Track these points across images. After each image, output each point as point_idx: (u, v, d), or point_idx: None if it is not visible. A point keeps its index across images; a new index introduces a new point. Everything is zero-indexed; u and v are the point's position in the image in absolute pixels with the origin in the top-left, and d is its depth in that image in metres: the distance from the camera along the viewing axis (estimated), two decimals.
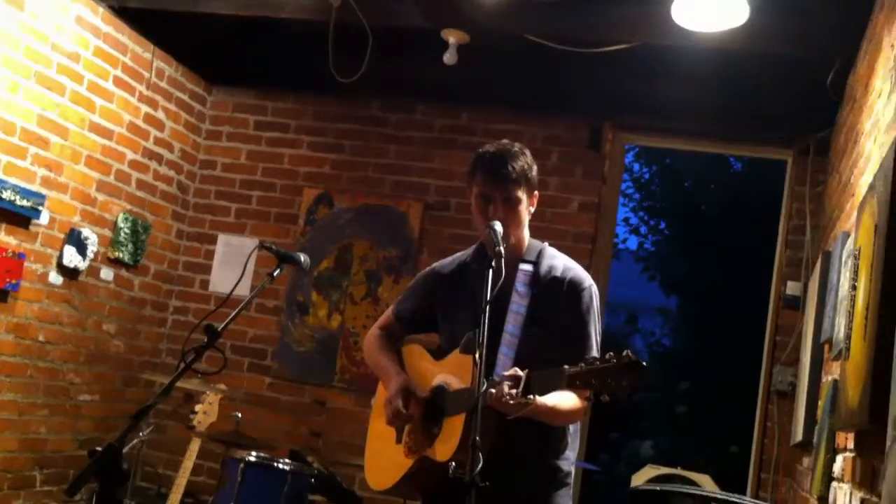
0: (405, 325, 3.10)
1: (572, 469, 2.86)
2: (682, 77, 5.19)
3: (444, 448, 2.64)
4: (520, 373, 2.43)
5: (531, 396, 2.40)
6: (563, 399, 2.58)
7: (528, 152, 2.82)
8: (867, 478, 2.50)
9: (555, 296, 2.78)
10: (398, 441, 2.87)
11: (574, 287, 2.79)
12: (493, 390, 2.42)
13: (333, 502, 4.74)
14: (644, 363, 2.24)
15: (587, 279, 2.84)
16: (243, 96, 6.27)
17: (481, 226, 2.77)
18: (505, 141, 2.84)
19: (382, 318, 3.17)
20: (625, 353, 2.26)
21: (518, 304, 2.75)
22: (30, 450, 5.07)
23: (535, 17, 4.71)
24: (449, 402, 2.71)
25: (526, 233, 2.87)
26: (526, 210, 2.80)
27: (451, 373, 2.76)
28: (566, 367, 2.35)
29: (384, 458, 2.92)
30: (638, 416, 12.09)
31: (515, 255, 2.79)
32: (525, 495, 2.72)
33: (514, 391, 2.40)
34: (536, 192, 2.83)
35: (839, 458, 3.07)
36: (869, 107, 3.43)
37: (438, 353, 2.93)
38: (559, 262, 2.86)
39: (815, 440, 3.72)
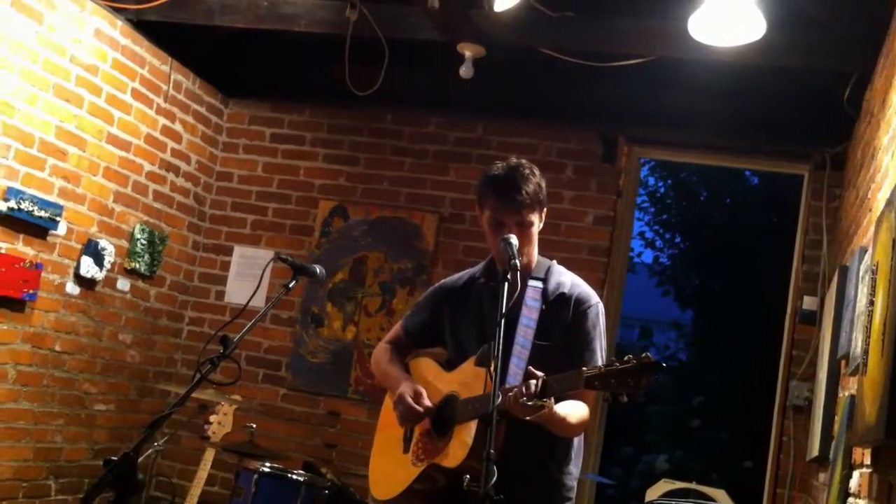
0: (413, 339, 3.15)
1: (575, 484, 2.89)
2: (697, 91, 5.19)
3: (455, 454, 2.67)
4: (538, 374, 2.48)
5: (546, 400, 2.45)
6: (575, 410, 2.66)
7: (536, 171, 2.85)
8: (883, 494, 2.48)
9: (562, 312, 2.84)
10: (405, 451, 2.88)
11: (580, 304, 2.86)
12: (510, 391, 2.47)
13: None
14: (663, 363, 2.33)
15: (594, 297, 2.90)
16: (259, 109, 6.30)
17: (494, 245, 2.81)
18: (513, 160, 2.86)
19: (391, 332, 3.23)
20: (644, 354, 2.34)
21: (528, 317, 2.80)
22: (45, 459, 5.09)
23: (551, 31, 4.72)
24: (460, 409, 2.75)
25: (535, 250, 2.92)
26: (537, 230, 2.86)
27: (461, 384, 2.80)
28: (584, 368, 2.41)
29: (390, 468, 2.93)
30: (651, 430, 12.03)
31: (525, 272, 2.83)
32: None
33: (531, 391, 2.44)
34: (546, 209, 2.89)
35: (855, 474, 3.05)
36: (886, 122, 3.42)
37: (448, 366, 2.96)
38: (567, 278, 2.93)
39: (831, 456, 3.70)
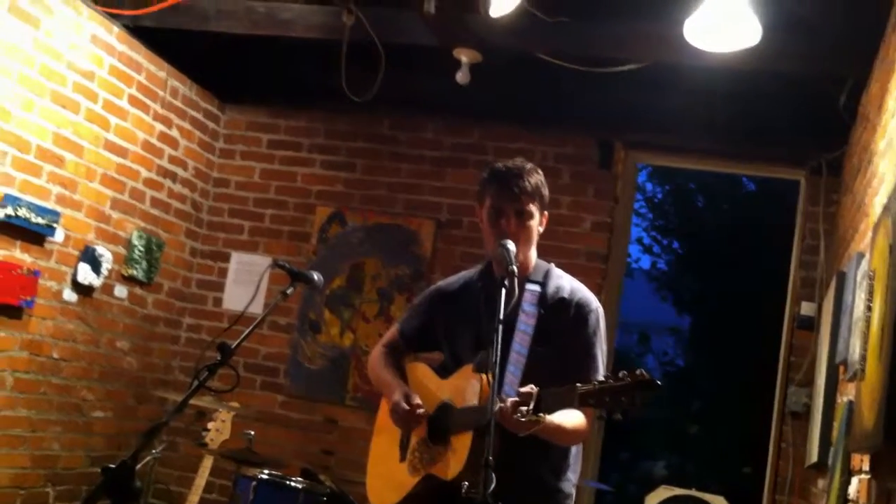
0: (409, 342, 3.12)
1: (573, 491, 2.87)
2: (694, 96, 5.20)
3: (452, 466, 2.64)
4: (532, 390, 2.43)
5: (541, 415, 2.40)
6: (570, 418, 2.60)
7: (540, 172, 2.84)
8: (882, 500, 2.48)
9: (562, 317, 2.79)
10: (402, 459, 2.87)
11: (581, 309, 2.81)
12: (504, 406, 2.43)
13: None
14: (658, 382, 2.24)
15: (594, 301, 2.86)
16: (256, 115, 6.29)
17: (491, 240, 2.78)
18: (518, 159, 2.86)
19: (387, 335, 3.20)
20: (638, 371, 2.26)
21: (525, 323, 2.75)
22: (42, 466, 5.07)
23: (547, 36, 4.72)
24: (456, 420, 2.71)
25: (533, 252, 2.87)
26: (536, 228, 2.81)
27: (455, 391, 2.77)
28: (578, 385, 2.35)
29: (387, 477, 2.92)
30: (650, 435, 12.03)
31: (522, 275, 2.78)
32: None
33: (524, 408, 2.40)
34: (547, 213, 2.85)
35: (854, 481, 3.05)
36: (883, 126, 3.42)
37: (442, 372, 2.94)
38: (566, 282, 2.87)
39: (829, 462, 3.70)
